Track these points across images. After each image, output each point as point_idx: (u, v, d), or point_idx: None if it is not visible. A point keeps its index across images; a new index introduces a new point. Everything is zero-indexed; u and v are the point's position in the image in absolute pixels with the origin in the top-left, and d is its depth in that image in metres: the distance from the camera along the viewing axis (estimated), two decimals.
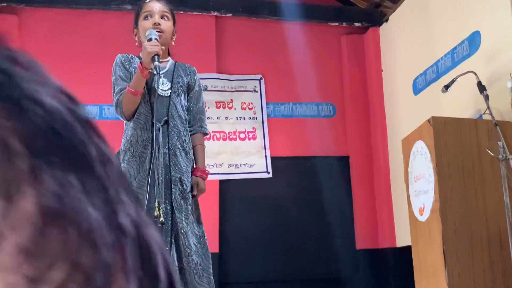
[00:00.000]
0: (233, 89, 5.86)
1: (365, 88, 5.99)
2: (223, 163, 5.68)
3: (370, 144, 5.88)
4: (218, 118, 5.74)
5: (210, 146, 5.42)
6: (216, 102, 5.74)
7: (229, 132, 5.76)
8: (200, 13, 5.72)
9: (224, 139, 5.74)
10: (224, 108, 5.80)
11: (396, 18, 5.66)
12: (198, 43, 5.62)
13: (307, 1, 5.96)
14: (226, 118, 5.79)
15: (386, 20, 5.84)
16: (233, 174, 5.70)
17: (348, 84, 5.99)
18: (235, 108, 5.84)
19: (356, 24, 6.01)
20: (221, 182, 5.60)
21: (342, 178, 5.82)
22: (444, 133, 3.40)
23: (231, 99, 5.83)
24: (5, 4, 5.41)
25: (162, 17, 2.78)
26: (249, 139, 5.79)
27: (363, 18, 6.01)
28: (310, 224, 5.70)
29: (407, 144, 3.79)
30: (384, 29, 5.90)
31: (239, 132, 5.79)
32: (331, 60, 6.08)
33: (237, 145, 5.76)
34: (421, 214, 3.56)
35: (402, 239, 5.34)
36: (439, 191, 3.30)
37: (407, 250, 5.16)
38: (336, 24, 6.03)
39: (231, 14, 5.82)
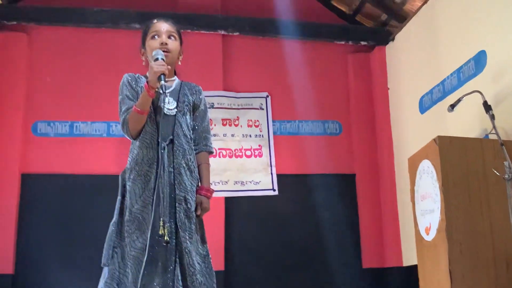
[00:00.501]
0: (240, 107, 5.88)
1: (371, 106, 5.99)
2: (229, 180, 5.69)
3: (377, 162, 5.87)
4: (224, 135, 5.76)
5: (216, 163, 5.44)
6: (222, 120, 5.76)
7: (235, 149, 5.78)
8: (207, 32, 5.76)
9: (230, 156, 5.75)
10: (230, 125, 5.82)
11: (402, 37, 5.69)
12: (205, 61, 5.67)
13: (314, 20, 6.00)
14: (232, 135, 5.81)
15: (393, 39, 5.86)
16: (239, 191, 5.70)
17: (354, 102, 6.00)
18: (241, 126, 5.86)
19: (363, 43, 6.04)
20: (227, 199, 5.61)
21: (348, 196, 5.82)
22: (450, 153, 3.39)
23: (237, 117, 5.85)
24: (15, 22, 5.49)
25: (169, 37, 2.81)
26: (255, 156, 5.80)
27: (369, 37, 6.04)
28: (316, 242, 5.68)
29: (413, 163, 3.79)
30: (390, 48, 5.93)
31: (245, 149, 5.80)
32: (338, 78, 6.10)
33: (243, 162, 5.77)
34: (427, 234, 3.54)
35: (409, 258, 5.31)
36: (445, 211, 3.29)
37: (413, 269, 5.12)
38: (343, 42, 6.06)
39: (238, 33, 5.86)
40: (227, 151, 5.74)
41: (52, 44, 5.67)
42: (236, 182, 5.72)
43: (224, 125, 5.80)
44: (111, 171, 5.37)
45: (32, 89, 5.54)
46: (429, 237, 3.51)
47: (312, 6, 6.23)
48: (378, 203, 5.79)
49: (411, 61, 5.46)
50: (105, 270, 2.63)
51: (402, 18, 5.71)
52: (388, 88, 5.89)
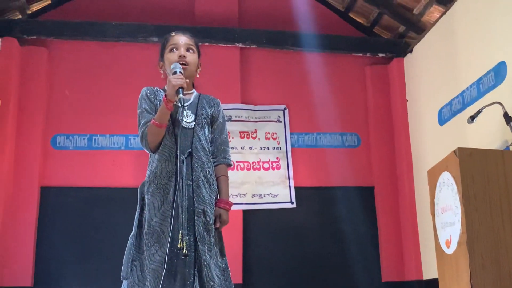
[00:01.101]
0: (257, 119, 5.88)
1: (390, 118, 5.96)
2: (247, 193, 5.68)
3: (396, 174, 5.82)
4: (242, 148, 5.76)
5: (234, 176, 5.43)
6: (240, 132, 5.76)
7: (253, 162, 5.77)
8: (225, 45, 5.79)
9: (248, 169, 5.75)
10: (248, 138, 5.82)
11: (421, 49, 5.66)
12: (223, 74, 5.69)
13: (331, 32, 6.00)
14: (250, 148, 5.81)
15: (411, 51, 5.83)
16: (257, 204, 5.69)
17: (372, 114, 5.97)
18: (259, 138, 5.85)
19: (381, 54, 6.02)
20: (245, 212, 5.60)
21: (367, 209, 5.77)
22: (471, 165, 3.35)
23: (255, 129, 5.85)
24: (35, 37, 5.56)
25: (187, 50, 2.82)
26: (273, 169, 5.79)
27: (387, 48, 6.02)
28: (335, 255, 5.64)
29: (433, 175, 3.74)
30: (408, 59, 5.90)
31: (263, 162, 5.79)
32: (356, 90, 6.08)
33: (261, 175, 5.76)
34: (448, 247, 3.50)
35: (429, 271, 5.24)
36: (466, 223, 3.24)
37: (434, 283, 5.05)
38: (360, 54, 6.05)
39: (255, 46, 5.88)
40: (245, 164, 5.74)
41: (71, 58, 5.74)
42: (254, 195, 5.71)
43: (242, 137, 5.80)
44: (129, 183, 5.41)
45: (52, 102, 5.60)
46: (449, 250, 3.46)
47: (329, 19, 6.24)
48: (397, 215, 5.73)
49: (430, 72, 5.42)
50: (125, 284, 2.63)
51: (420, 29, 5.68)
52: (407, 100, 5.85)
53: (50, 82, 5.65)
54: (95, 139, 5.58)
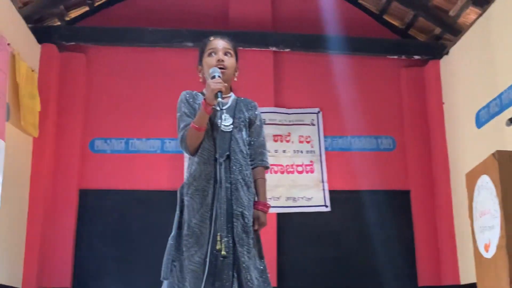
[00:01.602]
0: (291, 123, 5.89)
1: (426, 121, 5.90)
2: (280, 196, 5.69)
3: (432, 178, 5.76)
4: (276, 151, 5.77)
5: (268, 179, 5.34)
6: (274, 136, 5.78)
7: (286, 165, 5.78)
8: (259, 49, 5.82)
9: (282, 172, 5.76)
10: (282, 141, 5.84)
11: (457, 51, 5.59)
12: (257, 78, 5.71)
13: (366, 35, 5.98)
14: (284, 151, 5.82)
15: (447, 53, 5.77)
16: (291, 207, 5.70)
17: (408, 117, 5.92)
18: (292, 142, 5.86)
19: (416, 57, 5.97)
20: (279, 215, 5.61)
21: (403, 213, 5.72)
22: (510, 167, 3.30)
23: (288, 133, 5.86)
24: (73, 43, 5.68)
25: (225, 54, 2.86)
26: (307, 172, 5.79)
27: (423, 51, 5.96)
28: (370, 259, 5.61)
29: (472, 179, 3.70)
30: (445, 61, 5.83)
31: (297, 165, 5.80)
32: (391, 93, 6.04)
33: (294, 178, 5.77)
34: (487, 251, 3.45)
35: (466, 276, 5.17)
36: (505, 227, 3.20)
37: (471, 287, 5.00)
38: (396, 57, 6.01)
39: (289, 49, 5.90)
40: (279, 167, 5.75)
41: (108, 64, 5.85)
42: (288, 198, 5.72)
43: (275, 141, 5.81)
44: (164, 186, 5.49)
45: (90, 107, 5.72)
46: (488, 254, 3.42)
47: (364, 21, 6.21)
48: (434, 219, 5.67)
49: (467, 74, 5.36)
50: (165, 284, 2.67)
51: (457, 31, 5.62)
52: (443, 103, 5.78)
53: (88, 87, 5.76)
54: (131, 142, 5.67)
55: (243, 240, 2.64)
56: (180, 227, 2.70)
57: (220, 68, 2.77)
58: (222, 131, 2.73)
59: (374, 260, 5.59)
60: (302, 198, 5.73)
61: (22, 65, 4.90)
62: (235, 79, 2.95)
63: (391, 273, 5.57)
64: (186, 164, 5.52)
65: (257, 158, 2.90)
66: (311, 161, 5.82)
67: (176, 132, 5.74)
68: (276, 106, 5.86)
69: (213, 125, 2.74)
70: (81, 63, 5.73)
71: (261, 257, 2.74)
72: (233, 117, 2.83)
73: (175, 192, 5.19)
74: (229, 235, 2.62)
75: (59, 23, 5.84)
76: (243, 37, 5.74)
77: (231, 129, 2.79)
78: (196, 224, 2.62)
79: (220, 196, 2.62)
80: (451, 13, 5.58)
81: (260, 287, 2.63)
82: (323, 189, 5.75)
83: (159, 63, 5.88)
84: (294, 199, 5.72)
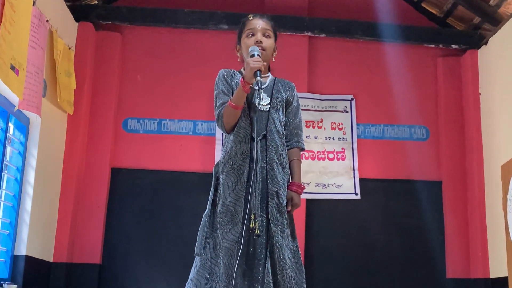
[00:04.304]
0: (324, 109, 5.85)
1: (461, 111, 5.80)
2: (310, 182, 5.68)
3: (465, 169, 5.67)
4: (308, 137, 5.74)
5: None
6: (306, 121, 5.74)
7: (317, 152, 5.76)
8: (294, 33, 5.78)
9: (313, 159, 5.74)
10: (313, 127, 5.81)
11: (496, 41, 5.47)
12: (291, 63, 5.66)
13: (403, 22, 5.89)
14: (316, 137, 5.79)
15: (486, 43, 5.65)
16: (320, 193, 5.68)
17: (443, 107, 5.83)
18: (324, 128, 5.83)
19: (454, 46, 5.86)
20: (308, 201, 5.59)
21: (434, 203, 5.66)
22: None
23: (321, 119, 5.83)
24: (110, 22, 5.72)
25: (264, 35, 2.84)
26: (338, 159, 5.75)
27: (461, 40, 5.85)
28: (398, 249, 5.57)
29: (507, 171, 3.64)
30: (483, 52, 5.72)
31: (328, 152, 5.77)
32: (426, 82, 5.95)
33: (325, 165, 5.74)
34: None
35: (497, 269, 5.10)
36: None
37: (502, 281, 4.94)
38: (433, 46, 5.90)
39: (324, 35, 5.84)
40: (310, 153, 5.73)
41: (143, 44, 5.87)
42: (317, 185, 5.70)
43: (307, 127, 5.78)
44: (195, 168, 5.53)
45: (124, 86, 5.76)
46: None
47: (401, 8, 6.11)
48: (465, 211, 5.59)
49: (506, 65, 5.24)
50: (197, 260, 2.69)
51: (496, 21, 5.49)
52: (480, 94, 5.68)
53: (123, 67, 5.80)
54: (164, 123, 5.70)
55: (277, 219, 2.64)
56: (214, 204, 2.72)
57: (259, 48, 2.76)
58: (259, 110, 2.73)
59: (403, 250, 5.56)
60: (332, 185, 5.70)
61: (60, 42, 4.95)
62: (273, 59, 2.94)
63: (419, 264, 5.53)
64: (217, 146, 5.58)
65: (293, 139, 2.90)
66: (342, 148, 5.78)
67: (207, 115, 5.77)
68: (309, 91, 5.83)
69: (250, 104, 2.74)
70: (117, 43, 5.76)
71: (294, 238, 2.74)
72: (271, 97, 2.82)
73: (206, 174, 5.24)
74: (263, 214, 2.62)
75: (96, 2, 5.88)
76: (278, 22, 5.59)
77: (268, 109, 2.79)
78: (230, 202, 2.64)
79: (255, 175, 2.62)
80: (492, 2, 5.46)
81: (292, 267, 2.63)
82: (354, 177, 5.71)
83: (193, 45, 5.88)
84: (324, 185, 5.70)
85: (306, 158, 5.69)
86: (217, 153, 5.52)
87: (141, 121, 5.70)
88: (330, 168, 5.74)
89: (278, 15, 5.71)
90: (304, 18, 5.84)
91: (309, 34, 5.84)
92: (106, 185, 5.47)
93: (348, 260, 5.54)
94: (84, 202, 5.35)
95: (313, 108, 5.83)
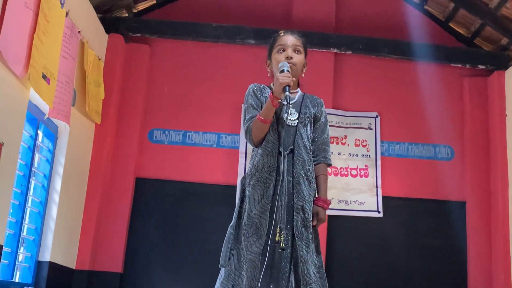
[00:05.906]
0: (348, 125, 5.86)
1: (487, 132, 5.76)
2: (332, 198, 5.67)
3: (489, 190, 5.62)
4: (331, 153, 5.71)
5: None
6: (330, 137, 5.73)
7: (340, 168, 5.76)
8: (320, 50, 5.81)
9: (336, 175, 5.74)
10: (337, 143, 5.81)
11: None
12: (316, 78, 5.66)
13: (430, 41, 5.89)
14: (339, 153, 5.79)
15: None
16: (342, 210, 5.67)
17: (469, 127, 5.80)
18: (348, 144, 5.83)
19: (481, 66, 5.84)
20: (330, 217, 5.56)
21: (457, 224, 5.62)
22: None
23: (345, 135, 5.84)
24: (139, 35, 5.81)
25: (294, 50, 2.87)
26: (361, 176, 5.75)
27: (488, 61, 5.83)
28: (420, 269, 5.53)
29: None
30: (510, 73, 5.68)
31: (351, 169, 5.76)
32: (452, 101, 5.93)
33: (348, 182, 5.74)
34: None
35: None
36: None
37: None
38: (459, 65, 5.90)
39: (350, 52, 5.87)
40: (333, 169, 5.72)
41: (171, 57, 5.96)
42: (340, 201, 5.68)
43: (331, 143, 5.73)
44: (218, 180, 5.56)
45: (151, 98, 5.84)
46: None
47: (429, 27, 6.12)
48: (489, 232, 5.53)
49: None
50: (222, 271, 2.71)
51: None
52: (506, 115, 5.64)
53: (150, 78, 5.88)
54: (189, 135, 5.76)
55: (302, 234, 2.65)
56: (240, 216, 2.74)
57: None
58: (287, 125, 2.76)
59: (425, 270, 5.51)
60: (354, 202, 5.69)
61: (90, 53, 5.05)
62: (303, 75, 2.96)
63: (440, 285, 5.48)
64: (241, 159, 5.62)
65: (320, 155, 2.92)
66: (366, 165, 5.77)
67: (231, 127, 5.81)
68: (334, 108, 5.84)
69: (278, 118, 2.77)
70: (145, 55, 5.86)
71: (318, 253, 2.75)
72: (299, 112, 2.85)
73: (228, 186, 5.27)
74: (289, 228, 2.63)
75: (126, 14, 5.98)
76: (305, 37, 5.72)
77: (296, 124, 2.81)
78: (256, 214, 2.65)
79: (281, 188, 2.64)
80: None
81: (317, 282, 2.63)
82: (377, 194, 5.70)
83: (220, 59, 5.95)
84: (346, 202, 5.69)
85: (329, 174, 5.65)
86: (241, 166, 5.56)
87: (166, 132, 5.76)
88: (352, 185, 5.73)
89: (304, 31, 5.73)
90: (330, 35, 5.88)
91: (335, 50, 5.88)
92: (130, 194, 5.53)
93: (369, 278, 5.51)
94: (108, 210, 5.41)
95: (337, 124, 5.84)
